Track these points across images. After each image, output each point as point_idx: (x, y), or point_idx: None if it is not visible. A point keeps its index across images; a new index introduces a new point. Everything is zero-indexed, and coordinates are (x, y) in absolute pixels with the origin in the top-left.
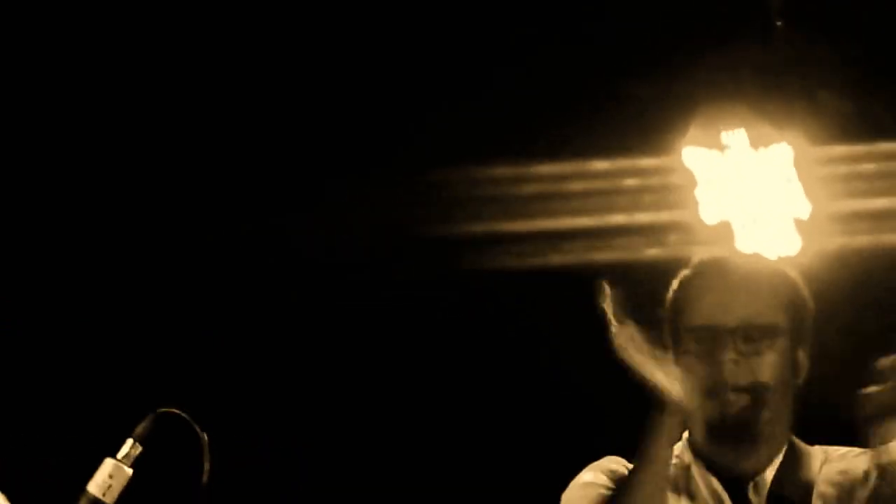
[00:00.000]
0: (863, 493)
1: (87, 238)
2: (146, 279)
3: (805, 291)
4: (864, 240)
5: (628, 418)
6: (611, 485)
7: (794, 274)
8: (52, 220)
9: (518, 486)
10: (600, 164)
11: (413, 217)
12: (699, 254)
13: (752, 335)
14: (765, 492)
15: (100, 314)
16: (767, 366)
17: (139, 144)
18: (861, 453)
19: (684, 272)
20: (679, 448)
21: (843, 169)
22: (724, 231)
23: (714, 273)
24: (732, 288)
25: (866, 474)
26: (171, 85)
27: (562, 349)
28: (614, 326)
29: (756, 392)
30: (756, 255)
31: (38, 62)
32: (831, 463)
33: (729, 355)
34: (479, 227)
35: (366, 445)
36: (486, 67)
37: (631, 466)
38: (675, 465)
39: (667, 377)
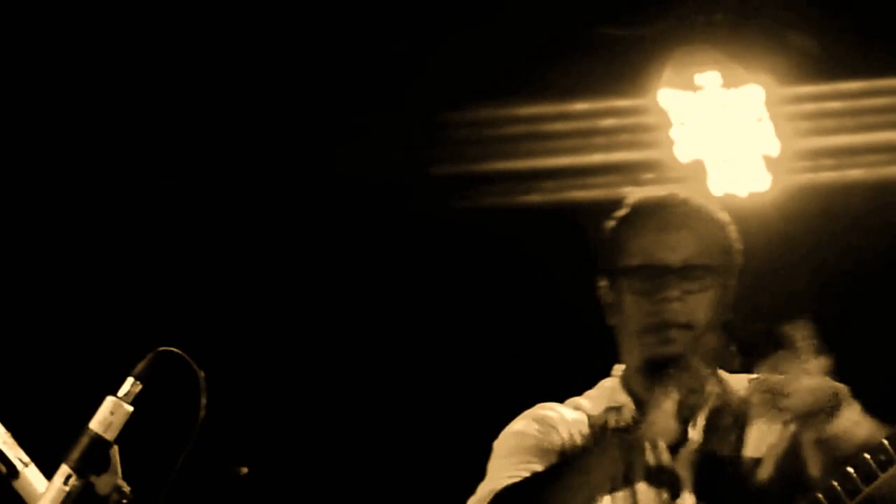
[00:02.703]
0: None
1: (87, 185)
2: (146, 220)
3: (733, 232)
4: (829, 175)
5: (606, 347)
6: (541, 434)
7: (723, 215)
8: (53, 164)
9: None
10: (579, 105)
11: (397, 159)
12: (632, 195)
13: (694, 274)
14: (702, 425)
15: (102, 256)
16: (706, 304)
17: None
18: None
19: (618, 213)
20: (611, 387)
21: (811, 107)
22: (697, 169)
23: (652, 213)
24: (673, 227)
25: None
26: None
27: (541, 283)
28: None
29: (694, 329)
30: (689, 196)
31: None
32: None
33: (673, 293)
34: (460, 168)
35: (364, 377)
36: (466, 13)
37: (563, 411)
38: (610, 406)
39: (662, 415)
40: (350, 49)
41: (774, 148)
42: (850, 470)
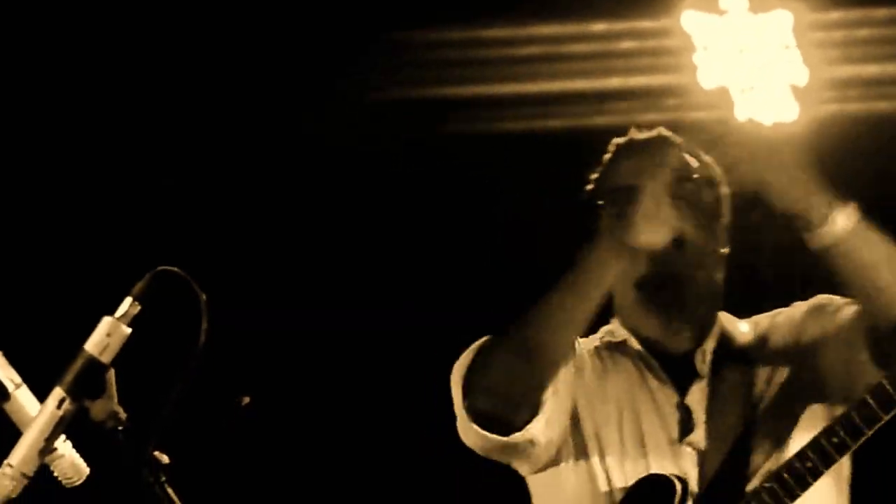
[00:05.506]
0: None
1: (86, 92)
2: (150, 136)
3: (710, 166)
4: (858, 106)
5: None
6: None
7: (695, 150)
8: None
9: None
10: (597, 26)
11: (406, 79)
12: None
13: (677, 195)
14: (710, 360)
15: (101, 172)
16: (689, 225)
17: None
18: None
19: (610, 148)
20: (610, 329)
21: (840, 35)
22: (721, 96)
23: (636, 146)
24: (637, 155)
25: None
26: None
27: (554, 211)
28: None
29: (680, 244)
30: (658, 131)
31: None
32: (768, 320)
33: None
34: (474, 90)
35: (356, 305)
36: None
37: None
38: (607, 339)
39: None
40: None
41: (802, 77)
42: (854, 414)
